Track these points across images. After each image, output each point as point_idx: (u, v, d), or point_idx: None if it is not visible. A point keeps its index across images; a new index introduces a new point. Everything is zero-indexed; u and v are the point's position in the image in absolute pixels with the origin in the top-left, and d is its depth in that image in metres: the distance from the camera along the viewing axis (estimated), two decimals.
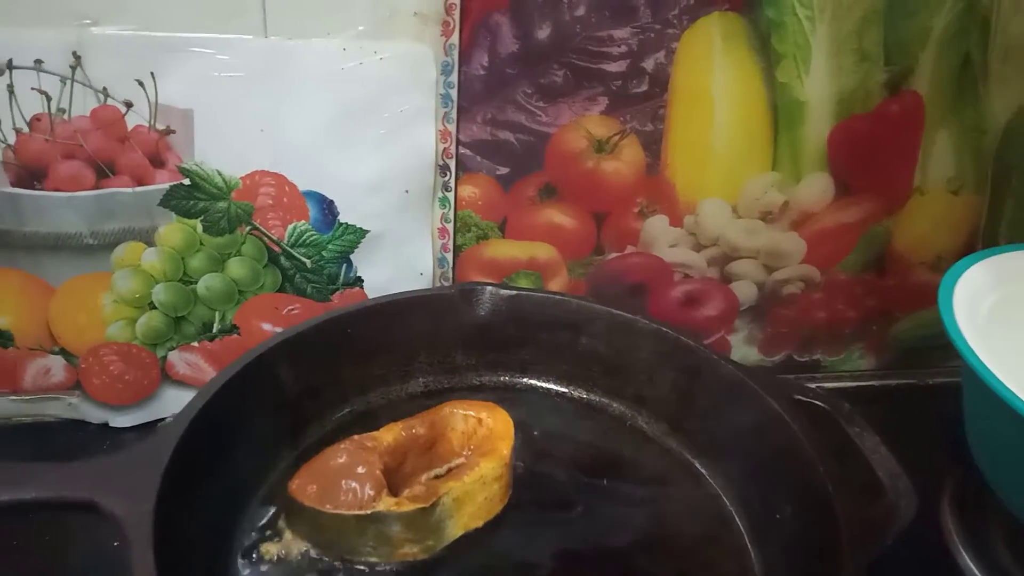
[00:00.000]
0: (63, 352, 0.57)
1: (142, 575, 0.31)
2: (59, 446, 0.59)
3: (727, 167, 0.59)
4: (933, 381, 0.71)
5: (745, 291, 0.65)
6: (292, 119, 0.53)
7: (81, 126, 0.51)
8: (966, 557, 0.48)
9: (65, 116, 0.51)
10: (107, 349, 0.58)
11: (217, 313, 0.58)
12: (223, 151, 0.53)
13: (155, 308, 0.57)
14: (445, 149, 0.56)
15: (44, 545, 0.50)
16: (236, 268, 0.57)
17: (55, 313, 0.56)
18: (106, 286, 0.56)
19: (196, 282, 0.57)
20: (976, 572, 0.47)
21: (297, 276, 0.58)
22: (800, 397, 0.45)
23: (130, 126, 0.52)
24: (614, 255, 0.62)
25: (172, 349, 0.59)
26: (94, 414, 0.60)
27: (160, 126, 0.52)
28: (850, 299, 0.66)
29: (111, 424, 0.60)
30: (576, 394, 0.53)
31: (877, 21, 0.56)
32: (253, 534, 0.42)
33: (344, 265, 0.58)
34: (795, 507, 0.41)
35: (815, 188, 0.61)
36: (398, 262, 0.59)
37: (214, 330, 0.58)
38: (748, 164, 0.59)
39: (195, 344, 0.59)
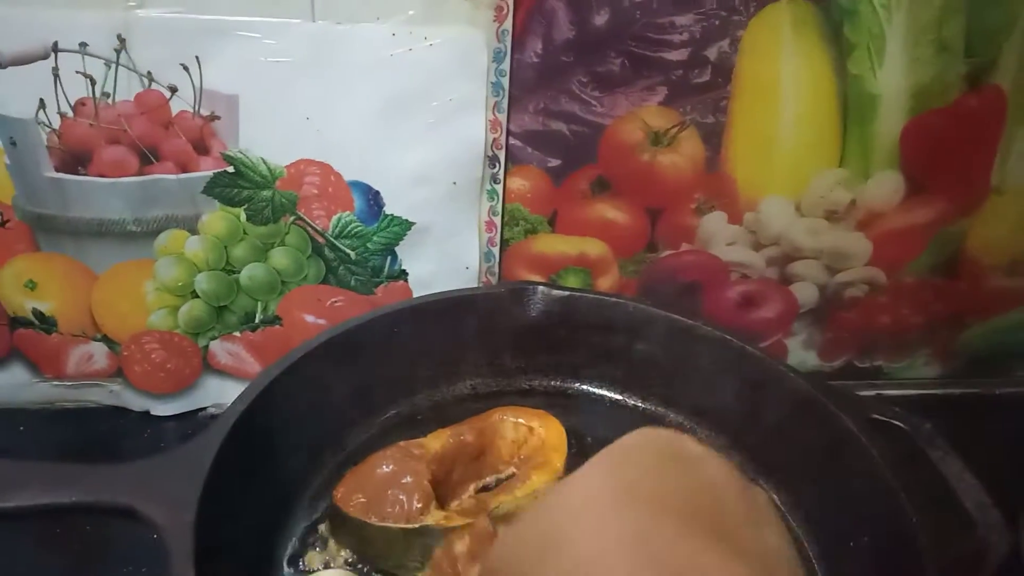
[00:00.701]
0: (105, 339, 0.57)
1: None
2: (100, 433, 0.59)
3: (792, 163, 0.56)
4: (1000, 392, 0.67)
5: (805, 293, 0.62)
6: (339, 106, 0.51)
7: (125, 111, 0.50)
8: None
9: (109, 101, 0.50)
10: (149, 337, 0.57)
11: (260, 303, 0.57)
12: (268, 139, 0.52)
13: (197, 297, 0.56)
14: (495, 140, 0.54)
15: (85, 536, 0.49)
16: (279, 258, 0.56)
17: (98, 299, 0.56)
18: (149, 274, 0.55)
19: (239, 271, 0.56)
20: None
21: (341, 268, 0.56)
22: (877, 416, 0.41)
23: (174, 111, 0.51)
24: (668, 253, 0.59)
25: (214, 339, 0.58)
26: (135, 402, 0.59)
27: (205, 112, 0.51)
28: (917, 304, 0.63)
29: (152, 412, 0.60)
30: (631, 402, 0.50)
31: (960, 9, 0.52)
32: (296, 542, 0.40)
33: (389, 257, 0.57)
34: (872, 537, 0.38)
35: (885, 187, 0.58)
36: (444, 255, 0.57)
37: (256, 320, 0.57)
38: (814, 160, 0.56)
39: (237, 334, 0.58)
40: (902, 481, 0.37)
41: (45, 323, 0.56)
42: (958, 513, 0.37)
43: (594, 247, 0.59)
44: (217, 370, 0.59)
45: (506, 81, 0.52)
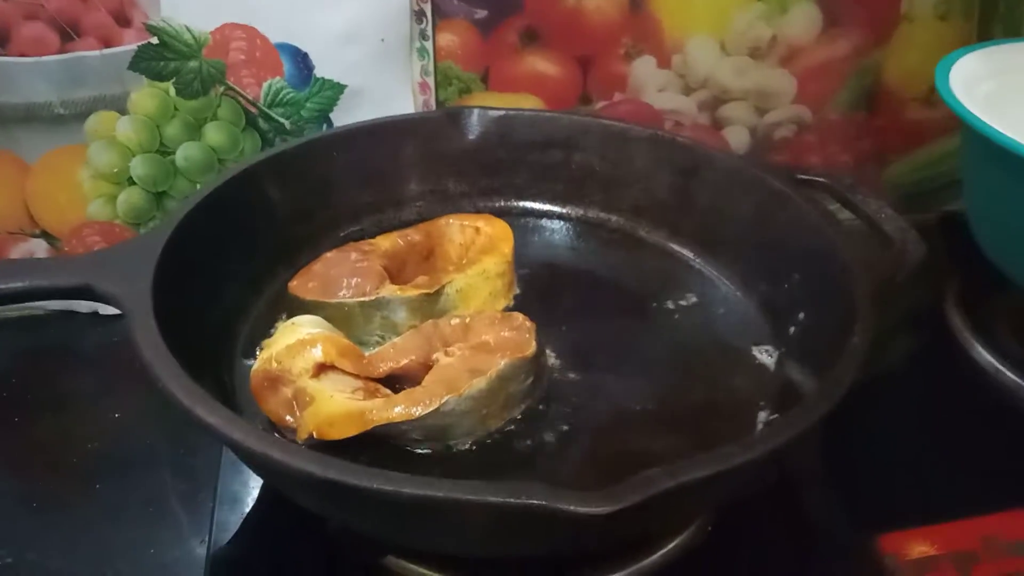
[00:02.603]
0: (45, 235, 0.56)
1: (144, 340, 0.30)
2: (49, 339, 0.58)
3: None
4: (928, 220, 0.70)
5: (738, 136, 0.63)
6: None
7: None
8: (977, 347, 0.48)
9: None
10: (89, 229, 0.56)
11: (199, 186, 0.56)
12: (190, 4, 0.51)
13: (134, 184, 0.55)
14: None
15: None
16: (213, 134, 0.55)
17: (33, 191, 0.55)
18: (82, 160, 0.54)
19: (174, 152, 0.55)
20: (989, 359, 0.47)
21: (277, 139, 0.56)
22: (802, 176, 0.44)
23: None
24: (602, 104, 0.60)
25: None
26: (82, 303, 0.58)
27: None
28: (843, 141, 0.65)
29: (100, 312, 0.59)
30: (575, 213, 0.52)
31: None
32: (256, 335, 0.40)
33: (324, 126, 0.56)
34: (803, 271, 0.40)
35: (802, 19, 0.60)
36: None
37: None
38: None
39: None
40: (827, 219, 0.40)
41: None
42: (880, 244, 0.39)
43: (529, 103, 0.59)
44: None
45: None
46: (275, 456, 0.26)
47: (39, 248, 0.56)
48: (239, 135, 0.56)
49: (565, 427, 0.37)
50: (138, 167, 0.55)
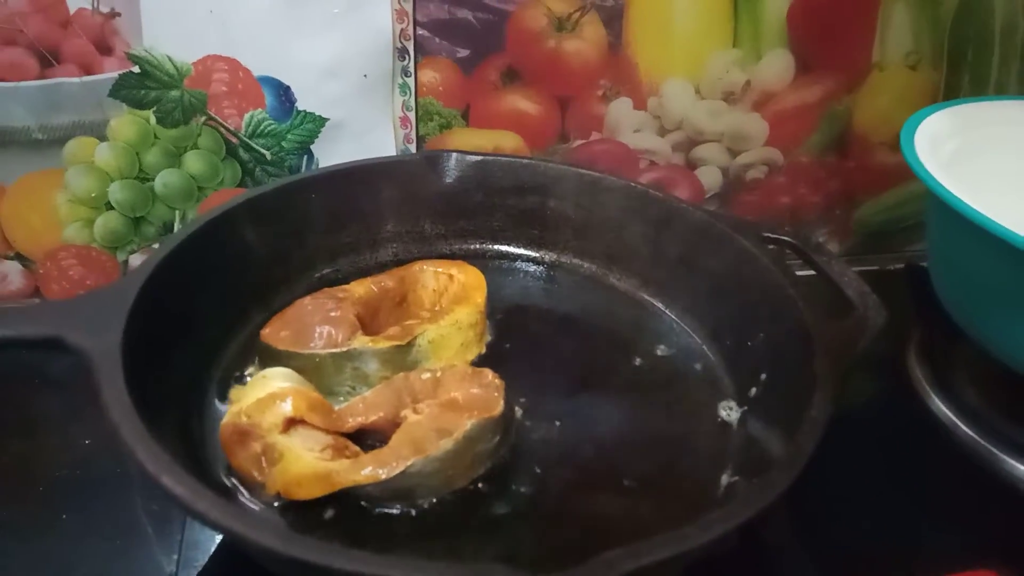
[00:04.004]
0: (19, 257, 0.56)
1: (112, 399, 0.30)
2: (22, 361, 0.58)
3: (689, 44, 0.59)
4: (894, 267, 0.72)
5: (710, 177, 0.65)
6: None
7: (19, 8, 0.49)
8: (936, 399, 0.49)
9: None
10: (65, 252, 0.56)
11: (177, 212, 0.57)
12: (173, 35, 0.52)
13: (112, 208, 0.56)
14: (403, 30, 0.55)
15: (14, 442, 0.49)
16: (193, 162, 0.55)
17: (7, 214, 0.55)
18: (59, 184, 0.54)
19: (153, 179, 0.55)
20: (947, 412, 0.48)
21: (257, 169, 0.57)
22: (769, 235, 0.45)
23: (72, 9, 0.50)
24: (579, 143, 0.61)
25: (133, 252, 0.57)
26: None
27: (104, 8, 0.50)
28: (813, 183, 0.67)
29: None
30: (548, 258, 0.52)
31: None
32: (227, 383, 0.41)
33: (305, 157, 0.57)
34: (767, 331, 0.41)
35: (776, 66, 0.61)
36: (360, 154, 0.57)
37: (175, 231, 0.57)
38: (709, 40, 0.59)
39: (156, 246, 0.57)
40: (792, 281, 0.41)
41: None
42: (845, 305, 0.41)
43: (508, 140, 0.60)
44: None
45: None
46: (238, 530, 0.26)
47: (12, 270, 0.56)
48: (219, 164, 0.56)
49: (530, 487, 0.38)
50: (117, 192, 0.55)
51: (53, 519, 0.45)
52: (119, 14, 0.50)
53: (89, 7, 0.50)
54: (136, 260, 0.58)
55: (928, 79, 0.64)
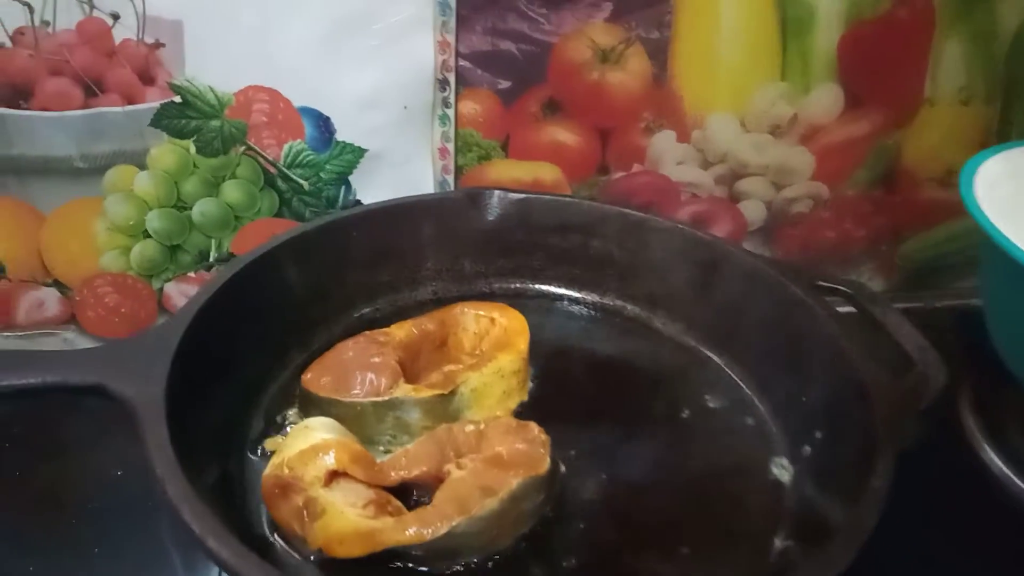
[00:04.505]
0: (57, 284, 0.56)
1: (157, 452, 0.29)
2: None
3: (735, 77, 0.58)
4: (940, 304, 0.70)
5: (753, 210, 0.63)
6: (284, 30, 0.51)
7: (67, 40, 0.49)
8: (988, 450, 0.47)
9: (49, 29, 0.49)
10: (102, 280, 0.56)
11: (213, 241, 0.56)
12: (215, 66, 0.51)
13: (149, 236, 0.55)
14: (444, 61, 0.54)
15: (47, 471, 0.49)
16: (231, 192, 0.55)
17: (47, 241, 0.54)
18: (98, 212, 0.54)
19: (190, 208, 0.55)
20: (999, 464, 0.46)
21: (295, 199, 0.56)
22: (822, 283, 0.43)
23: (117, 40, 0.50)
24: (620, 175, 0.60)
25: (168, 280, 0.57)
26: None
27: (149, 39, 0.50)
28: (859, 217, 0.65)
29: None
30: (590, 298, 0.51)
31: None
32: (267, 428, 0.40)
33: (343, 187, 0.56)
34: (821, 388, 0.40)
35: (824, 99, 0.60)
36: (398, 184, 0.57)
37: (211, 259, 0.57)
38: (756, 74, 0.58)
39: (192, 274, 0.57)
40: (846, 333, 0.39)
41: None
42: (901, 360, 0.39)
43: (548, 172, 0.59)
44: (173, 313, 0.58)
45: (453, 0, 0.52)
46: None
47: (50, 296, 0.56)
48: (257, 194, 0.56)
49: (575, 547, 0.37)
50: (154, 221, 0.55)
51: (85, 551, 0.45)
52: (163, 45, 0.50)
53: (134, 38, 0.50)
54: (171, 288, 0.57)
55: (980, 115, 0.62)
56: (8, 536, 0.47)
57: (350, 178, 0.56)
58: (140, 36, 0.50)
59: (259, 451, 0.39)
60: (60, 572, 0.42)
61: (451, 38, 0.53)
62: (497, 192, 0.50)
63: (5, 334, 0.57)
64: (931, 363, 0.38)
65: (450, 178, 0.58)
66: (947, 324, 0.65)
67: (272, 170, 0.55)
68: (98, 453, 0.50)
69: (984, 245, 0.48)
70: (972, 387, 0.53)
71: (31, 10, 0.48)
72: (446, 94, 0.55)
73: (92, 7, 0.49)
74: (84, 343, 0.58)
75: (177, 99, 0.52)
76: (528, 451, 0.36)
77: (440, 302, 0.47)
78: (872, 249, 0.67)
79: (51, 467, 0.50)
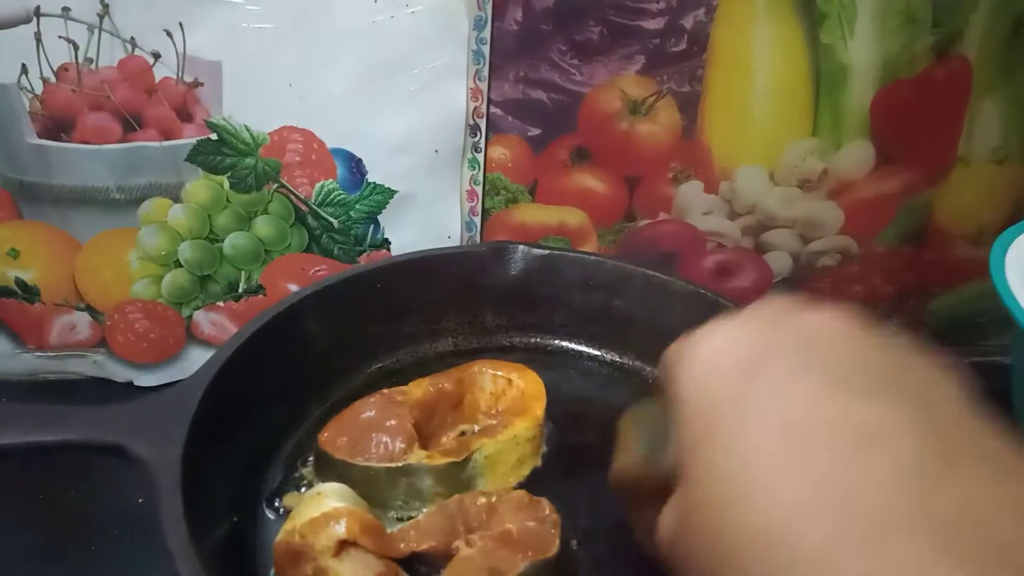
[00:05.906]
0: (89, 309, 0.57)
1: (170, 519, 0.30)
2: (83, 404, 0.59)
3: (766, 132, 0.58)
4: (970, 360, 0.69)
5: (779, 262, 0.63)
6: (321, 73, 0.52)
7: (108, 77, 0.50)
8: None
9: (92, 66, 0.50)
10: (133, 307, 0.57)
11: (243, 273, 0.58)
12: (251, 106, 0.52)
13: (181, 266, 0.57)
14: (476, 108, 0.55)
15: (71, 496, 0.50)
16: (263, 227, 0.56)
17: (81, 268, 0.56)
18: (132, 242, 0.55)
19: (222, 240, 0.56)
20: None
21: (324, 236, 0.57)
22: None
23: (158, 78, 0.51)
24: (646, 222, 0.60)
25: (198, 308, 0.58)
26: (119, 372, 0.60)
27: (188, 78, 0.51)
28: (887, 273, 0.65)
29: (136, 383, 0.60)
30: (609, 357, 0.51)
31: None
32: (282, 485, 0.41)
33: (371, 226, 0.57)
34: None
35: (856, 156, 0.59)
36: (426, 224, 0.58)
37: (240, 290, 0.58)
38: (787, 129, 0.58)
39: (220, 304, 0.58)
40: None
41: (28, 292, 0.56)
42: None
43: (574, 216, 0.60)
44: (201, 340, 0.59)
45: (487, 49, 0.53)
46: None
47: (81, 320, 0.58)
48: (287, 229, 0.57)
49: None
50: (186, 252, 0.56)
51: None
52: (202, 84, 0.51)
53: (174, 77, 0.51)
54: (200, 316, 0.59)
55: (1015, 175, 0.61)
56: (30, 558, 0.48)
57: (379, 217, 0.57)
58: (180, 75, 0.51)
59: (276, 505, 0.40)
60: None
61: (483, 86, 0.54)
62: (521, 247, 0.50)
63: (37, 354, 0.59)
64: None
65: (477, 220, 0.59)
66: (975, 382, 0.64)
67: (303, 207, 0.56)
68: (121, 479, 0.51)
69: (1017, 337, 0.47)
70: None
71: (75, 47, 0.49)
72: (476, 139, 0.56)
73: (135, 46, 0.50)
74: (113, 365, 0.59)
75: (213, 136, 0.53)
76: (538, 530, 0.36)
77: (460, 354, 0.48)
78: (900, 304, 0.67)
79: (75, 492, 0.52)
